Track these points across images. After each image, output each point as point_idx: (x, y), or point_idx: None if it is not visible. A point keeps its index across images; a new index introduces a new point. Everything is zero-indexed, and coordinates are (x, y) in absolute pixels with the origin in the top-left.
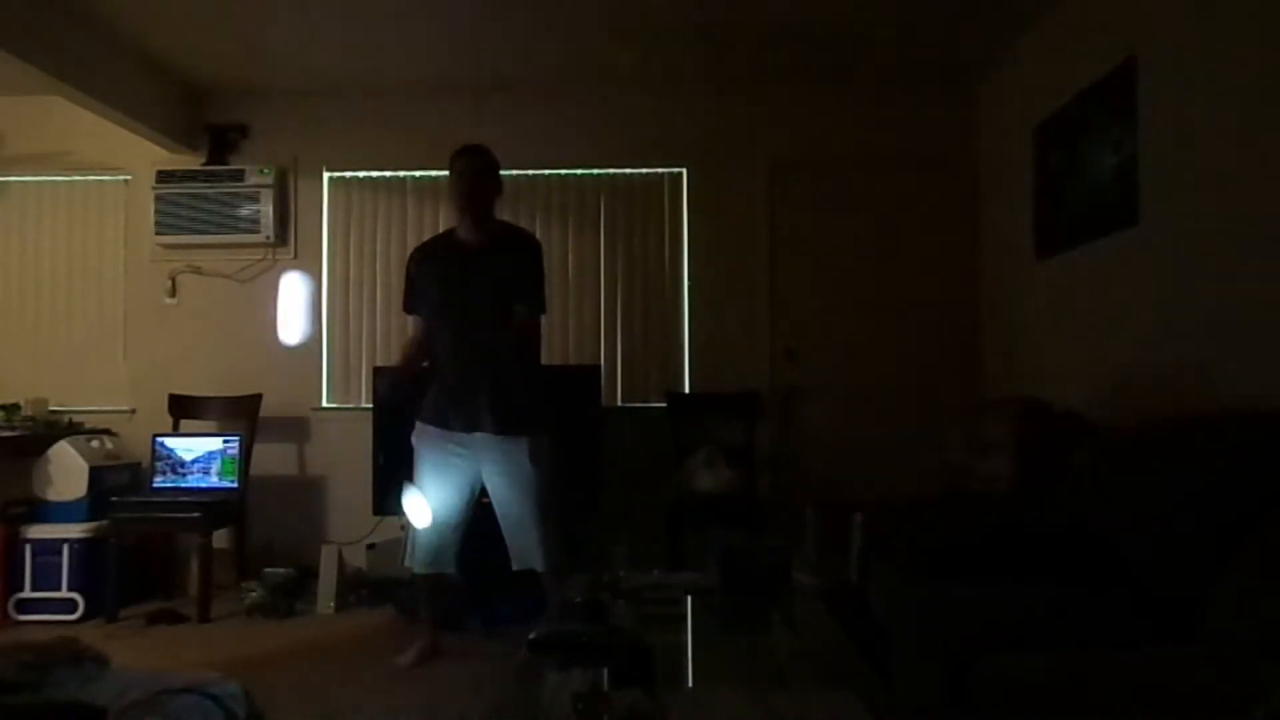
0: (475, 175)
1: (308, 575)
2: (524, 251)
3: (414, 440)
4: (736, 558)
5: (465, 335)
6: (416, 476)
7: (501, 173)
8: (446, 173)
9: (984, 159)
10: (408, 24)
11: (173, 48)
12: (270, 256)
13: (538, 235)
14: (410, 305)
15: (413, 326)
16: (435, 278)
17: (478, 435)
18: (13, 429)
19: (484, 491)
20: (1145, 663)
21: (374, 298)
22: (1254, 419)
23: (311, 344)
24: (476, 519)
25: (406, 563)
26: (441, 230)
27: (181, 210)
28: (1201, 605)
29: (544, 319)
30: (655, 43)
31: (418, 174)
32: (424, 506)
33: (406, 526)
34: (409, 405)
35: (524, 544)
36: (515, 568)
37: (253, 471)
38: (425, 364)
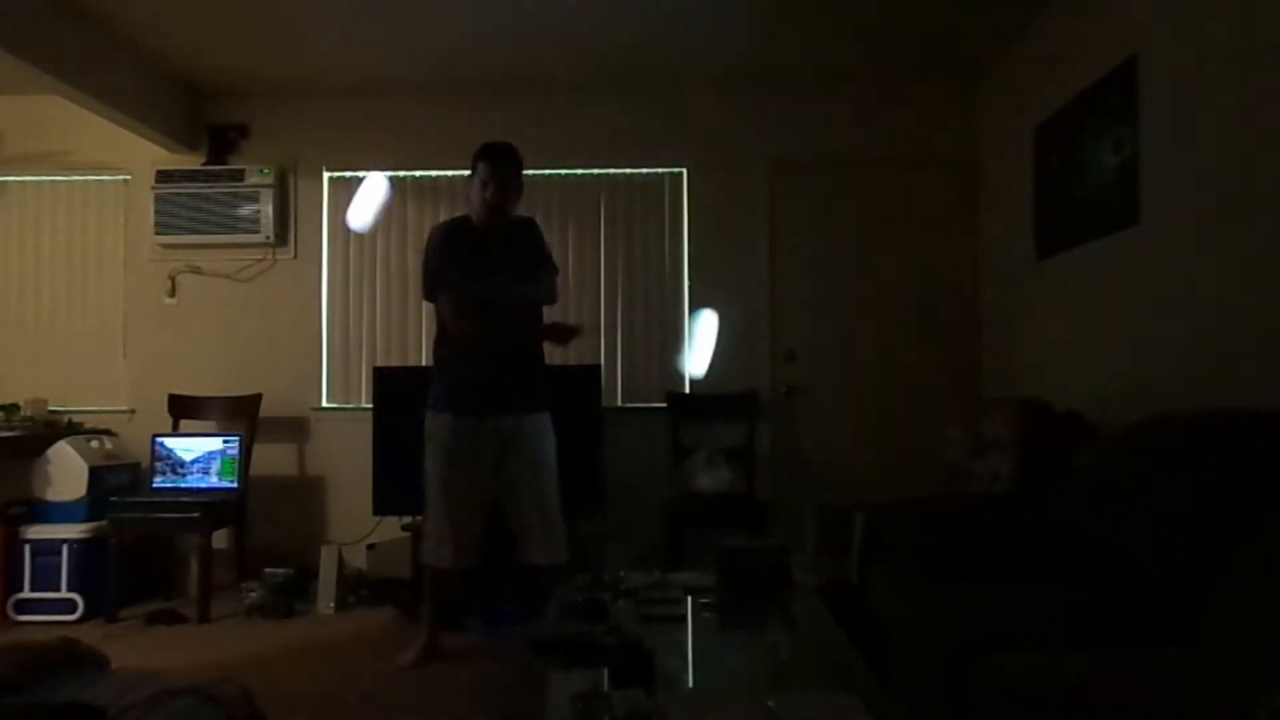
0: (509, 181)
1: (308, 575)
2: (532, 232)
3: (430, 431)
4: (736, 558)
5: (496, 319)
6: (432, 469)
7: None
8: (446, 173)
9: (984, 159)
10: (408, 24)
11: (173, 48)
12: (270, 256)
13: None
14: (433, 292)
15: (442, 308)
16: (461, 264)
17: (501, 418)
18: (12, 429)
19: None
20: (1146, 663)
21: (374, 298)
22: (1254, 419)
23: (311, 344)
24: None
25: (426, 560)
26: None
27: (181, 210)
28: (1202, 605)
29: (547, 316)
30: (655, 43)
31: (418, 174)
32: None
33: (426, 519)
34: (412, 403)
35: (547, 534)
36: (537, 560)
37: (253, 471)
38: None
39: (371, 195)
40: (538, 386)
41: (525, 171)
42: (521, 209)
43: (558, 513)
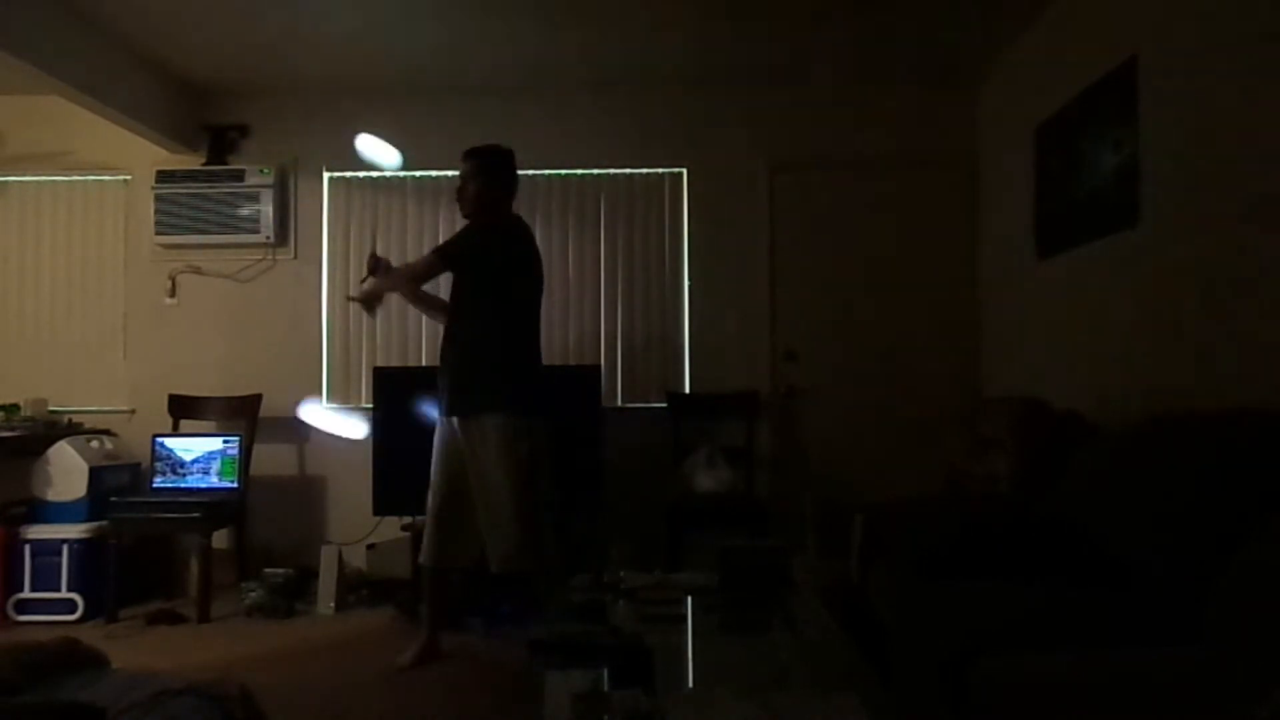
0: (461, 181)
1: (308, 575)
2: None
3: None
4: (736, 558)
5: (450, 325)
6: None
7: (498, 168)
8: (446, 173)
9: (984, 159)
10: (407, 24)
11: (173, 48)
12: (270, 256)
13: (537, 235)
14: None
15: None
16: None
17: (454, 420)
18: (13, 429)
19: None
20: (1145, 662)
21: None
22: (1254, 419)
23: (311, 344)
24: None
25: (422, 559)
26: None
27: (181, 210)
28: (1201, 605)
29: (546, 316)
30: (656, 42)
31: (418, 174)
32: None
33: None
34: (412, 403)
35: (495, 539)
36: (493, 569)
37: (253, 471)
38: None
39: (382, 152)
40: (479, 389)
41: (527, 172)
42: (522, 210)
43: (510, 522)
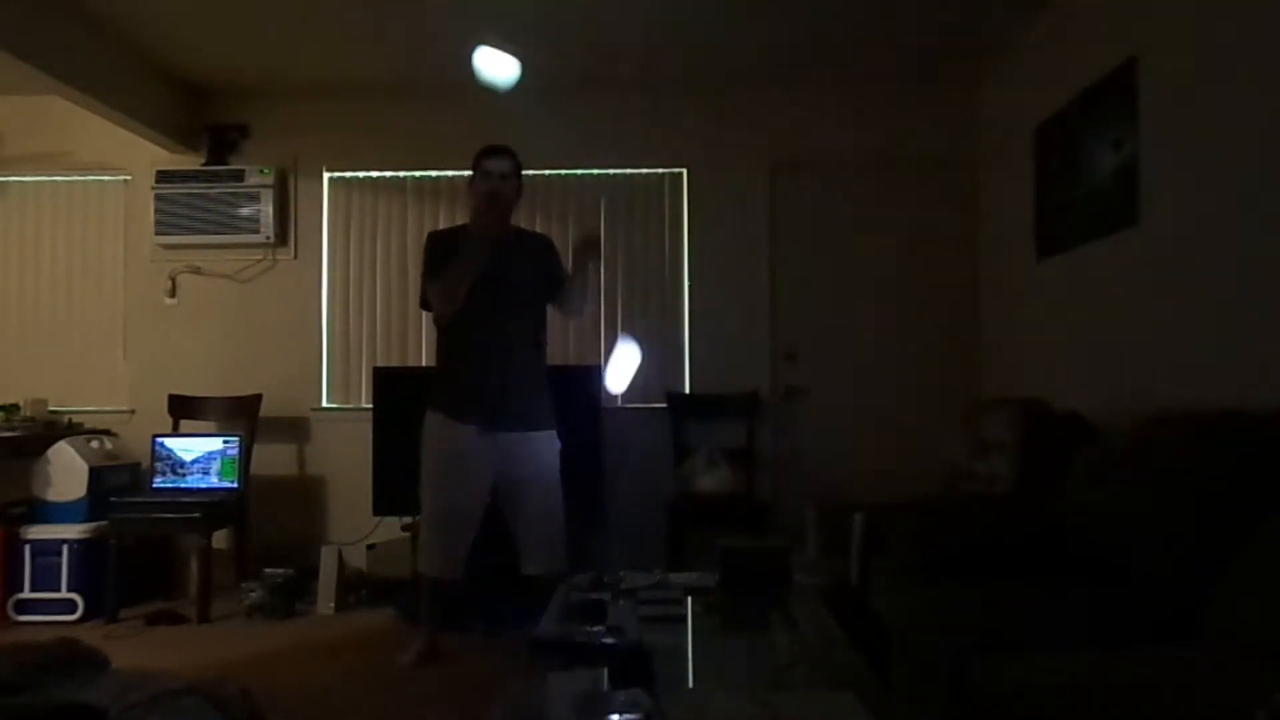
0: (506, 177)
1: (308, 575)
2: (551, 251)
3: (427, 433)
4: (736, 558)
5: (500, 331)
6: (428, 472)
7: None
8: (446, 173)
9: (984, 159)
10: (408, 24)
11: (173, 48)
12: (270, 256)
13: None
14: (429, 282)
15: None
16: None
17: (502, 434)
18: (13, 429)
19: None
20: (1146, 663)
21: (374, 298)
22: (1254, 419)
23: (311, 344)
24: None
25: (421, 567)
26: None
27: (181, 210)
28: (1201, 605)
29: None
30: (656, 43)
31: (418, 174)
32: None
33: (420, 528)
34: (412, 403)
35: (547, 546)
36: (535, 571)
37: (253, 471)
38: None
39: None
40: (540, 403)
41: (526, 171)
42: (523, 210)
43: (559, 527)
